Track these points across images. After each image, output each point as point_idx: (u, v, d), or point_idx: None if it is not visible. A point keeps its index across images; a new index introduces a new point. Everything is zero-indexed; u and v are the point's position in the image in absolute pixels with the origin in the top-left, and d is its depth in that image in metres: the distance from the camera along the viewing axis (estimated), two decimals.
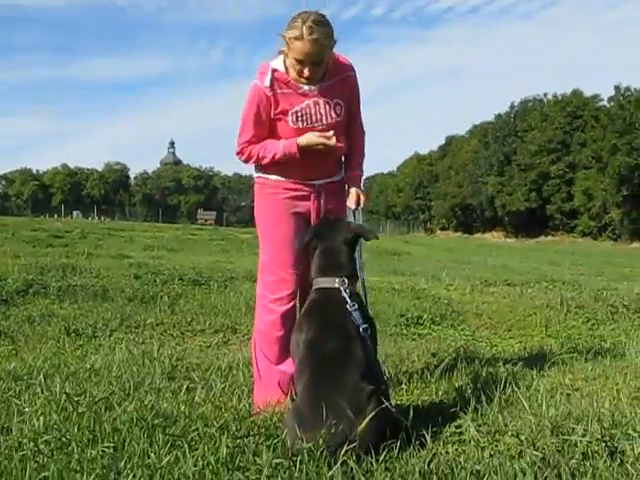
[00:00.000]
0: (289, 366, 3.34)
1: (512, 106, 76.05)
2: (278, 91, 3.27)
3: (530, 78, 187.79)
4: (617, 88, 60.48)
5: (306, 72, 3.18)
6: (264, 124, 3.32)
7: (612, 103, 61.43)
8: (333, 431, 2.48)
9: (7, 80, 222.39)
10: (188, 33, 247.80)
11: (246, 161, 3.42)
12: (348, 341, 2.80)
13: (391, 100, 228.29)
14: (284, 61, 3.29)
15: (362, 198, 3.42)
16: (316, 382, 2.71)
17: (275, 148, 3.29)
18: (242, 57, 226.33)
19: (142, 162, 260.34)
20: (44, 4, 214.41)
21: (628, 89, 59.11)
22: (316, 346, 2.84)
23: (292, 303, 3.40)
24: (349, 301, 2.93)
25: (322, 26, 3.12)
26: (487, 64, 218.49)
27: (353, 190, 3.43)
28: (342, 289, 2.98)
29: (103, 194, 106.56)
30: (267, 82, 3.25)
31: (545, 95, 73.35)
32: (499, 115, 77.34)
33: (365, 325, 2.87)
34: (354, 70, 3.44)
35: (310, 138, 3.23)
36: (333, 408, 2.54)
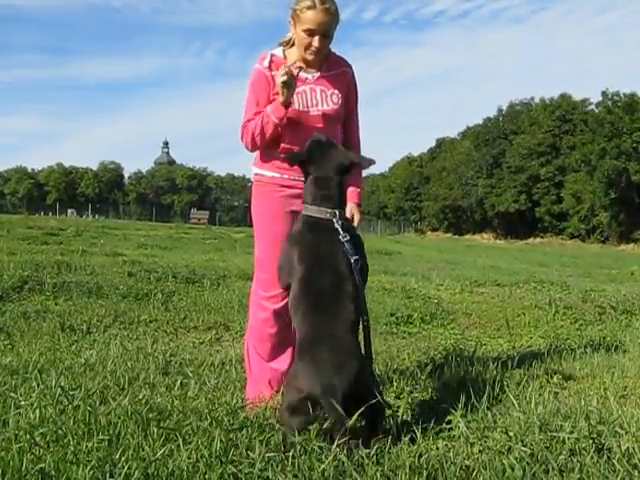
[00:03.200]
0: (281, 363, 3.39)
1: (500, 109, 76.30)
2: (275, 72, 3.30)
3: (520, 81, 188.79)
4: (604, 93, 60.73)
5: (315, 42, 3.21)
6: (265, 106, 3.33)
7: (600, 108, 61.58)
8: (332, 361, 2.60)
9: (3, 79, 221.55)
10: (182, 34, 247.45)
11: (247, 144, 3.39)
12: (340, 276, 2.86)
13: (383, 102, 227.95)
14: (283, 50, 3.39)
15: (357, 217, 3.34)
16: (313, 315, 2.79)
17: (262, 114, 3.28)
18: (235, 59, 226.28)
19: (136, 162, 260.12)
20: (39, 4, 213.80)
21: (617, 94, 59.35)
22: (310, 282, 2.87)
23: (285, 301, 3.40)
24: (341, 232, 2.94)
25: (332, 3, 3.21)
26: (478, 67, 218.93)
27: (349, 207, 3.35)
28: (334, 220, 2.98)
29: (97, 193, 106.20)
30: (266, 63, 3.33)
31: (533, 99, 73.63)
32: (488, 118, 77.53)
33: (356, 257, 2.90)
34: (352, 68, 3.50)
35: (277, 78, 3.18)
36: (332, 337, 2.68)
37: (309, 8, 3.16)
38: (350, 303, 2.81)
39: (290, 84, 3.15)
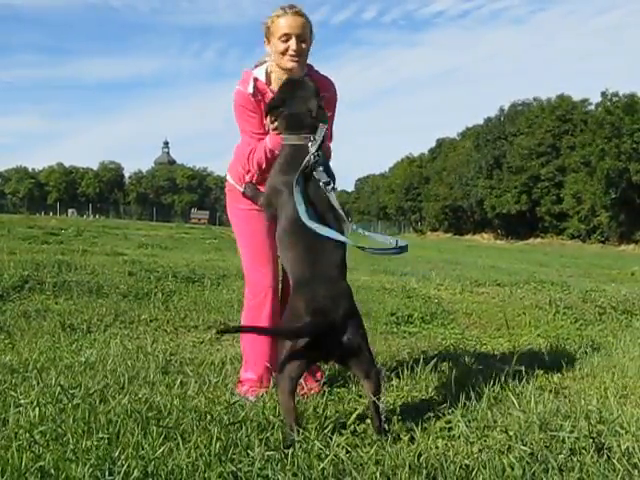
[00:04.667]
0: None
1: (501, 110, 76.32)
2: (259, 97, 3.36)
3: (520, 82, 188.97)
4: (604, 94, 60.78)
5: (293, 45, 3.26)
6: (259, 123, 3.39)
7: (599, 109, 61.63)
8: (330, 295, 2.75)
9: (3, 79, 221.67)
10: (181, 34, 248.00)
11: (251, 171, 3.47)
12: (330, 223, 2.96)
13: (383, 102, 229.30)
14: (266, 69, 3.41)
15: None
16: (309, 257, 2.89)
17: (261, 145, 3.35)
18: (235, 59, 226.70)
19: (136, 162, 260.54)
20: (38, 4, 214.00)
21: (616, 94, 59.41)
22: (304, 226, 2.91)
23: (271, 296, 3.53)
24: (315, 154, 3.00)
25: (301, 8, 3.32)
26: (477, 68, 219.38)
27: None
28: (309, 145, 3.03)
29: (98, 193, 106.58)
30: (250, 89, 3.36)
31: (534, 99, 73.57)
32: (489, 118, 77.55)
33: (328, 179, 2.99)
34: (334, 87, 3.52)
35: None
36: (327, 278, 2.81)
37: (280, 16, 3.28)
38: (339, 249, 2.93)
39: None
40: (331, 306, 2.72)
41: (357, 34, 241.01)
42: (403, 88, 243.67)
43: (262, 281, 3.53)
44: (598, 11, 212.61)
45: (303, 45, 3.29)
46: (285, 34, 3.26)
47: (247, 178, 3.47)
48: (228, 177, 3.65)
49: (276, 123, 3.23)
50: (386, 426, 2.79)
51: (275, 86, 3.37)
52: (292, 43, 3.26)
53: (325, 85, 3.46)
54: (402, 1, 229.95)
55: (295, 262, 2.92)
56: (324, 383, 3.58)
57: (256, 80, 3.37)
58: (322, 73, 3.51)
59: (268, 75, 3.40)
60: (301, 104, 3.12)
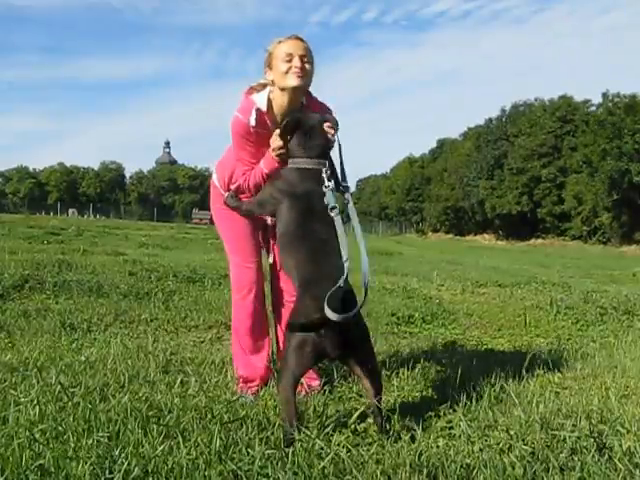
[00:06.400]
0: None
1: (503, 110, 76.27)
2: (260, 130, 3.33)
3: (521, 82, 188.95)
4: (604, 95, 60.78)
5: (296, 62, 3.24)
6: (257, 153, 3.39)
7: (600, 110, 61.58)
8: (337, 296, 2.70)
9: (3, 79, 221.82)
10: (182, 34, 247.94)
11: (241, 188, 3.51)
12: (331, 225, 2.97)
13: (384, 103, 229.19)
14: (268, 96, 3.35)
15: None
16: (314, 259, 2.93)
17: (257, 171, 3.36)
18: (236, 59, 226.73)
19: (138, 161, 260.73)
20: (39, 4, 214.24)
21: (617, 95, 59.36)
22: (308, 229, 3.00)
23: (255, 292, 3.58)
24: (327, 182, 3.03)
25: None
26: (479, 68, 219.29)
27: None
28: (323, 170, 3.07)
29: (99, 192, 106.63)
30: (253, 122, 3.30)
31: (536, 100, 73.50)
32: (490, 119, 77.47)
33: (335, 205, 3.00)
34: (330, 112, 3.47)
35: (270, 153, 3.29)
36: (332, 278, 2.76)
37: (280, 42, 3.30)
38: (339, 253, 2.93)
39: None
40: (339, 305, 2.71)
41: (358, 35, 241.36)
42: (404, 88, 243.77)
43: (246, 277, 3.58)
44: (599, 11, 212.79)
45: (307, 66, 3.27)
46: (288, 54, 3.24)
47: (232, 187, 3.51)
48: (214, 176, 3.69)
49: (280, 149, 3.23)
50: (387, 425, 2.78)
51: (277, 114, 3.36)
52: (295, 60, 3.23)
53: (324, 112, 3.44)
54: (403, 1, 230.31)
55: (300, 266, 2.94)
56: (325, 383, 3.58)
57: (259, 111, 3.32)
58: (320, 100, 3.50)
59: (269, 101, 3.35)
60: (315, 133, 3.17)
